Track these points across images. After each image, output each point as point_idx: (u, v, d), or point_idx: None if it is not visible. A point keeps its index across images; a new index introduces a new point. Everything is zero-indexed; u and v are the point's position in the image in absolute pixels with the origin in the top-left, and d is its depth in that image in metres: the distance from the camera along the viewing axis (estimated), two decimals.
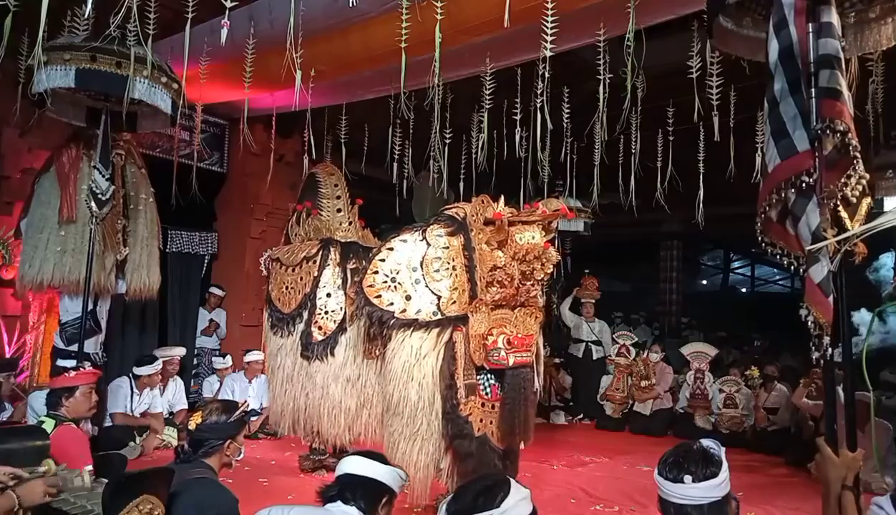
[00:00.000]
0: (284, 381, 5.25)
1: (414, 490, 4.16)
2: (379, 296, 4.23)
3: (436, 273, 4.25)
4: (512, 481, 1.69)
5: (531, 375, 4.18)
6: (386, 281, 4.26)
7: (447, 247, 4.30)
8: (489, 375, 4.19)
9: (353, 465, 2.28)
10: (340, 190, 5.84)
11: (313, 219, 5.62)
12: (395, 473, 2.33)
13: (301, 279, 5.27)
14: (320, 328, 5.04)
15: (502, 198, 4.37)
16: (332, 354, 4.92)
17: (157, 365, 6.13)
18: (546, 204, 4.35)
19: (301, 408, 5.13)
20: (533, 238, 4.14)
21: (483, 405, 4.17)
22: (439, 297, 4.21)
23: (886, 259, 2.52)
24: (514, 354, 4.04)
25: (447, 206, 4.60)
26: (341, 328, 4.96)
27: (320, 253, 5.24)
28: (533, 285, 4.22)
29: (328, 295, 5.09)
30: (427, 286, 4.24)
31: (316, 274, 5.16)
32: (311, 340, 5.02)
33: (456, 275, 4.25)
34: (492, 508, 1.61)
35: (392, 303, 4.21)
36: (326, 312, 5.06)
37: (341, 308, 5.01)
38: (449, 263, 4.27)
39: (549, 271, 4.26)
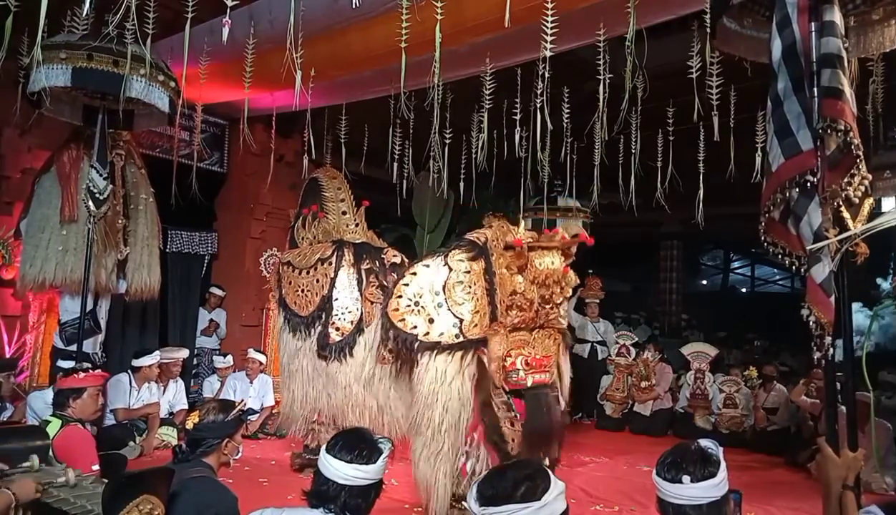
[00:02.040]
0: (304, 383, 5.32)
1: (432, 505, 4.27)
2: (403, 320, 4.33)
3: (458, 297, 4.35)
4: (550, 472, 1.63)
5: (553, 395, 4.24)
6: (409, 305, 4.36)
7: (468, 272, 4.36)
8: (514, 394, 4.23)
9: (337, 472, 2.12)
10: (344, 193, 5.93)
11: (320, 222, 5.71)
12: (380, 465, 2.19)
13: (318, 281, 5.30)
14: (337, 329, 5.10)
15: (522, 222, 4.53)
16: (351, 355, 5.00)
17: (156, 357, 6.11)
18: (566, 229, 4.49)
19: (321, 408, 5.22)
20: (552, 263, 4.24)
21: (512, 425, 4.21)
22: (461, 320, 4.30)
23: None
24: (532, 375, 4.12)
25: (469, 232, 4.66)
26: (358, 328, 5.03)
27: (335, 254, 5.29)
28: (552, 308, 4.32)
29: (344, 296, 5.16)
30: (449, 309, 4.33)
31: (332, 275, 5.22)
32: (327, 341, 5.08)
33: (477, 299, 4.34)
34: (532, 500, 1.53)
35: (416, 327, 4.31)
36: (343, 313, 5.12)
37: (358, 308, 5.08)
38: (470, 287, 4.36)
39: (568, 295, 4.39)
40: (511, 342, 4.22)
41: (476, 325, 4.27)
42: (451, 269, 4.40)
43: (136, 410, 5.92)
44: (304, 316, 5.32)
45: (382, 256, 5.10)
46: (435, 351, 4.27)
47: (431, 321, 4.31)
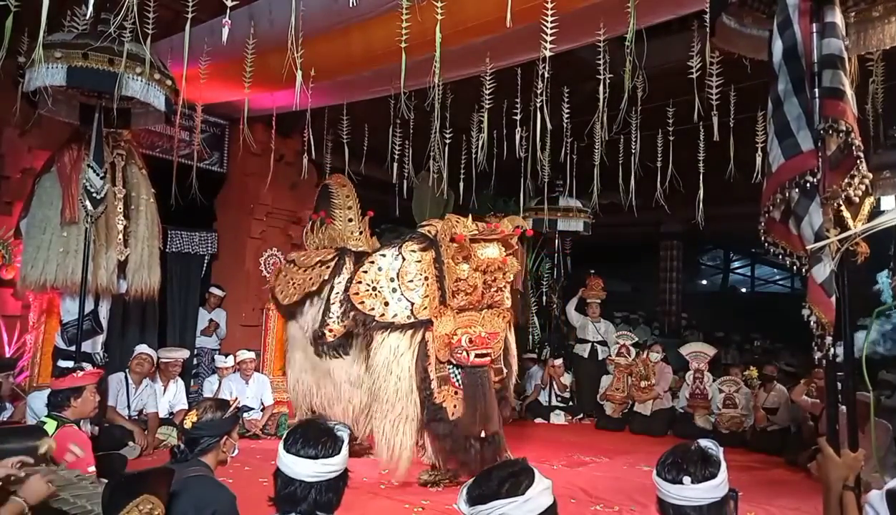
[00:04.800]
0: (297, 372, 5.87)
1: (398, 467, 4.88)
2: (362, 302, 4.93)
3: (410, 283, 4.94)
4: (535, 470, 1.67)
5: (488, 373, 4.91)
6: (368, 290, 4.96)
7: (420, 261, 4.98)
8: (458, 368, 4.90)
9: (303, 471, 1.99)
10: (352, 201, 6.30)
11: (327, 228, 6.07)
12: (345, 453, 2.06)
13: (309, 279, 5.68)
14: (331, 330, 5.44)
15: (470, 216, 5.11)
16: (346, 354, 5.40)
17: (144, 347, 6.12)
18: (505, 224, 5.14)
19: (315, 397, 5.69)
20: (493, 253, 4.92)
21: (456, 393, 4.90)
22: (412, 304, 4.90)
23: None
24: (474, 351, 4.78)
25: (421, 224, 5.34)
26: (349, 332, 5.37)
27: (335, 260, 5.64)
28: (496, 292, 5.00)
29: (340, 301, 5.43)
30: (402, 294, 4.92)
31: (326, 277, 5.56)
32: (324, 340, 5.46)
33: (427, 285, 4.93)
34: (516, 495, 1.58)
35: (373, 308, 4.91)
36: (339, 316, 5.45)
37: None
38: (421, 274, 4.95)
39: (509, 279, 5.05)
40: (458, 321, 4.89)
41: (426, 308, 4.88)
42: (404, 259, 5.01)
43: (124, 417, 5.88)
44: (283, 305, 5.84)
45: None
46: (388, 331, 4.89)
47: (387, 304, 4.91)
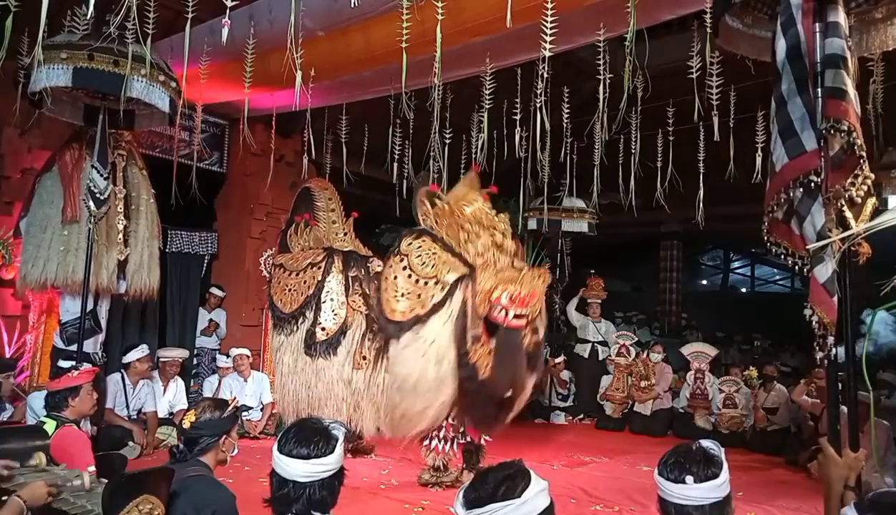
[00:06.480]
0: (285, 376, 5.74)
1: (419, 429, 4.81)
2: (413, 312, 4.69)
3: (424, 268, 4.77)
4: (531, 472, 1.66)
5: (521, 336, 4.60)
6: (411, 304, 4.73)
7: (420, 246, 4.87)
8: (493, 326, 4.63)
9: (296, 471, 1.98)
10: (334, 203, 6.29)
11: (312, 230, 6.06)
12: (340, 453, 2.05)
13: (304, 282, 5.67)
14: (324, 329, 5.45)
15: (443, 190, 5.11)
16: (335, 353, 5.39)
17: (143, 350, 6.07)
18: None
19: (302, 400, 5.59)
20: (478, 204, 4.99)
21: (489, 353, 4.59)
22: (438, 281, 4.72)
23: None
24: (514, 309, 4.46)
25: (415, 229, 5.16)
26: (342, 331, 5.41)
27: (325, 260, 5.65)
28: (502, 252, 4.85)
29: (332, 299, 5.50)
30: (426, 282, 4.75)
31: (320, 278, 5.57)
32: (315, 340, 5.45)
33: (440, 259, 4.79)
34: (513, 498, 1.58)
35: (412, 309, 4.69)
36: (330, 315, 5.49)
37: (344, 312, 5.46)
38: (430, 252, 4.83)
39: (503, 231, 4.95)
40: (499, 278, 4.61)
41: (451, 273, 4.70)
42: (405, 255, 4.85)
43: (121, 417, 5.86)
44: (286, 313, 5.73)
45: (368, 264, 5.53)
46: (429, 317, 4.66)
47: (419, 296, 4.73)
